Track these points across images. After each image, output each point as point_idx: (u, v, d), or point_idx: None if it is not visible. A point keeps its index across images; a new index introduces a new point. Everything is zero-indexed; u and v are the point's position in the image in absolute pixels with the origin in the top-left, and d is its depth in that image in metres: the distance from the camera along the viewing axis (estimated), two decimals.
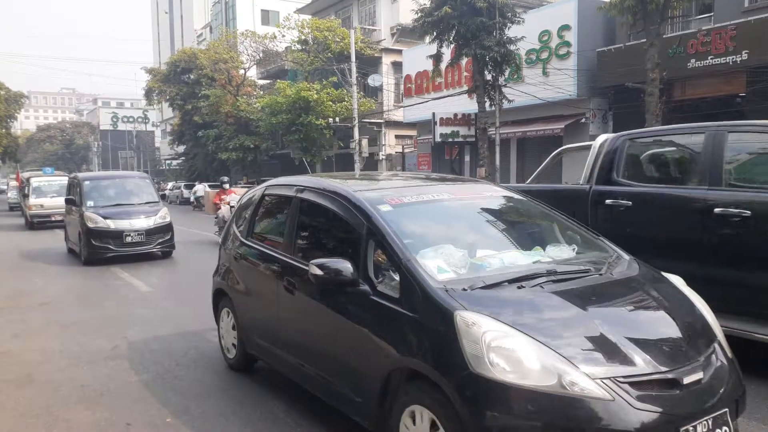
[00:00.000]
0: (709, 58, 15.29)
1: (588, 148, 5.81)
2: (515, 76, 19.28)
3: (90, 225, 11.27)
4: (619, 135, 5.44)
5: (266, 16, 46.69)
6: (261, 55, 35.03)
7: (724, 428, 2.64)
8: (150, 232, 11.70)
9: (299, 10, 33.20)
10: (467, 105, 20.20)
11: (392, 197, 3.58)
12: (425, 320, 2.82)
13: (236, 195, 14.27)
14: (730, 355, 2.98)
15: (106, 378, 4.89)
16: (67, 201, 12.77)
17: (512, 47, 17.51)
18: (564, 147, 6.75)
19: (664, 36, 14.85)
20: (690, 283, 3.46)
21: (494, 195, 4.13)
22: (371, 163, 28.82)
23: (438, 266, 3.02)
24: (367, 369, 3.15)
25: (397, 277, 3.05)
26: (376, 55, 28.79)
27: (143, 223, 11.70)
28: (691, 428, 2.52)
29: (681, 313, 3.05)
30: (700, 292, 3.39)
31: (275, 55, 34.41)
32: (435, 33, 18.10)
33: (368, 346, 3.11)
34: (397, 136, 29.64)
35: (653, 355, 2.63)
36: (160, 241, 11.88)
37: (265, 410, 4.10)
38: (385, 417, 3.07)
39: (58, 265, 11.58)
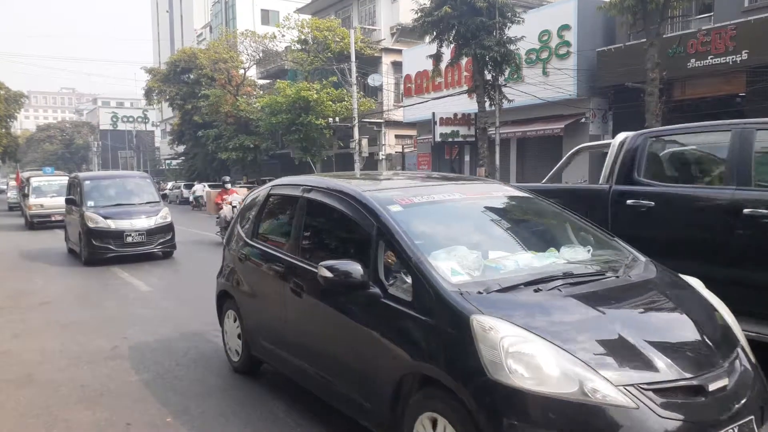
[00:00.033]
0: (709, 57, 15.29)
1: (606, 146, 5.63)
2: (515, 76, 19.29)
3: (90, 225, 11.25)
4: (640, 133, 5.25)
5: (266, 16, 46.69)
6: (261, 54, 35.03)
7: None
8: (151, 232, 11.67)
9: (299, 10, 33.21)
10: (467, 105, 20.20)
11: (402, 197, 3.51)
12: (439, 324, 2.74)
13: (238, 195, 14.27)
14: (753, 360, 2.90)
15: (106, 378, 4.89)
16: (68, 201, 12.73)
17: (512, 47, 17.52)
18: (581, 146, 6.58)
19: (664, 36, 14.85)
20: (716, 286, 3.37)
21: (505, 194, 4.03)
22: (371, 163, 28.83)
23: (452, 268, 2.95)
24: (378, 374, 3.08)
25: (408, 280, 2.97)
26: (376, 54, 28.80)
27: (144, 223, 11.67)
28: None
29: (702, 317, 2.97)
30: (726, 295, 3.29)
31: (275, 54, 34.42)
32: (435, 33, 18.11)
33: (379, 350, 3.04)
34: (397, 136, 29.66)
35: (677, 361, 2.55)
36: (161, 241, 11.85)
37: (265, 410, 4.10)
38: (396, 423, 2.99)
39: (58, 265, 11.58)
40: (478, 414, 2.48)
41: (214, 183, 32.31)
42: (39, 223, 19.44)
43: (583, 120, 18.80)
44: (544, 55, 19.35)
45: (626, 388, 2.37)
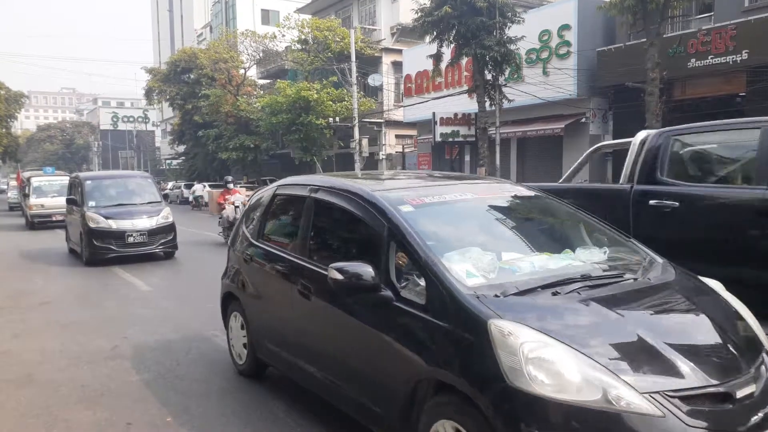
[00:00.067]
0: (710, 57, 15.29)
1: (626, 145, 5.54)
2: (515, 76, 19.29)
3: (92, 225, 11.22)
4: (662, 131, 5.15)
5: (266, 16, 46.68)
6: (261, 54, 35.03)
7: None
8: (152, 233, 11.63)
9: (299, 10, 33.22)
10: (467, 105, 20.20)
11: (413, 197, 3.44)
12: (455, 329, 2.66)
13: (241, 195, 14.27)
14: None
15: (106, 378, 4.90)
16: (69, 201, 12.69)
17: (512, 47, 17.51)
18: (600, 144, 6.46)
19: (664, 35, 14.85)
20: (743, 289, 3.29)
21: (517, 194, 3.94)
22: (371, 163, 28.84)
23: (467, 270, 2.87)
24: (390, 379, 3.00)
25: (422, 282, 2.89)
26: (376, 54, 28.79)
27: (146, 223, 11.63)
28: None
29: (725, 321, 2.89)
30: (753, 299, 3.20)
31: (275, 54, 34.41)
32: (435, 33, 18.10)
33: (391, 355, 2.96)
34: (397, 136, 29.66)
35: (702, 367, 2.46)
36: (163, 241, 11.80)
37: (265, 410, 4.10)
38: (410, 430, 2.92)
39: (59, 265, 11.58)
40: (496, 421, 2.41)
41: (215, 183, 32.37)
42: (40, 223, 19.43)
43: (583, 120, 18.80)
44: (545, 54, 19.35)
45: (652, 395, 2.29)
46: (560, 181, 6.84)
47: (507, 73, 18.54)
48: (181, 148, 45.07)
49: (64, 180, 19.07)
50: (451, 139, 21.53)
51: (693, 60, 15.65)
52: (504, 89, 18.37)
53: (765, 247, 4.15)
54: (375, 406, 3.16)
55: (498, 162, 19.58)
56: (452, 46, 18.10)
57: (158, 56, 66.57)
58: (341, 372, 3.51)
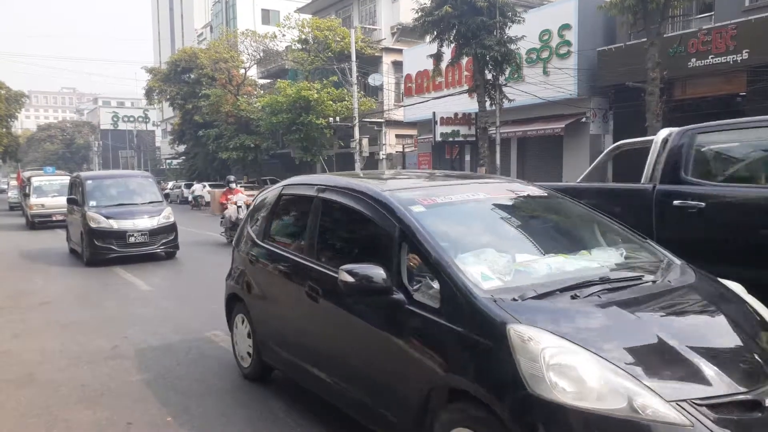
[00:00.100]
0: (710, 57, 15.27)
1: (647, 144, 5.38)
2: (516, 76, 19.29)
3: (92, 225, 11.20)
4: (686, 129, 4.95)
5: (267, 16, 46.70)
6: (261, 54, 35.03)
7: None
8: (154, 233, 11.60)
9: (299, 10, 33.24)
10: (468, 104, 20.20)
11: (424, 197, 3.35)
12: (472, 334, 2.56)
13: (243, 195, 14.26)
14: None
15: (106, 378, 4.90)
16: (69, 201, 12.66)
17: (513, 46, 17.50)
18: (620, 142, 6.32)
19: (664, 35, 14.84)
20: None
21: (530, 194, 3.82)
22: (371, 163, 28.84)
23: (482, 273, 2.79)
24: (403, 385, 2.91)
25: (435, 285, 2.80)
26: (376, 54, 28.79)
27: (147, 223, 11.60)
28: None
29: (749, 325, 2.80)
30: None
31: (275, 54, 34.42)
32: (435, 32, 18.09)
33: (404, 360, 2.86)
34: (397, 136, 29.66)
35: (729, 374, 2.37)
36: (164, 241, 11.77)
37: (265, 410, 4.10)
38: None
39: (59, 265, 11.58)
40: (515, 430, 2.34)
41: (215, 182, 32.40)
42: (40, 223, 19.42)
43: (583, 119, 18.79)
44: (545, 54, 19.34)
45: (679, 403, 2.19)
46: (578, 179, 6.69)
47: (507, 72, 18.54)
48: (182, 148, 45.10)
49: (65, 180, 19.08)
50: (451, 139, 21.52)
51: (693, 60, 15.64)
52: (504, 89, 18.36)
53: None
54: (388, 412, 3.07)
55: (498, 162, 19.57)
56: (452, 45, 18.09)
57: (158, 56, 66.58)
58: (350, 376, 3.43)
